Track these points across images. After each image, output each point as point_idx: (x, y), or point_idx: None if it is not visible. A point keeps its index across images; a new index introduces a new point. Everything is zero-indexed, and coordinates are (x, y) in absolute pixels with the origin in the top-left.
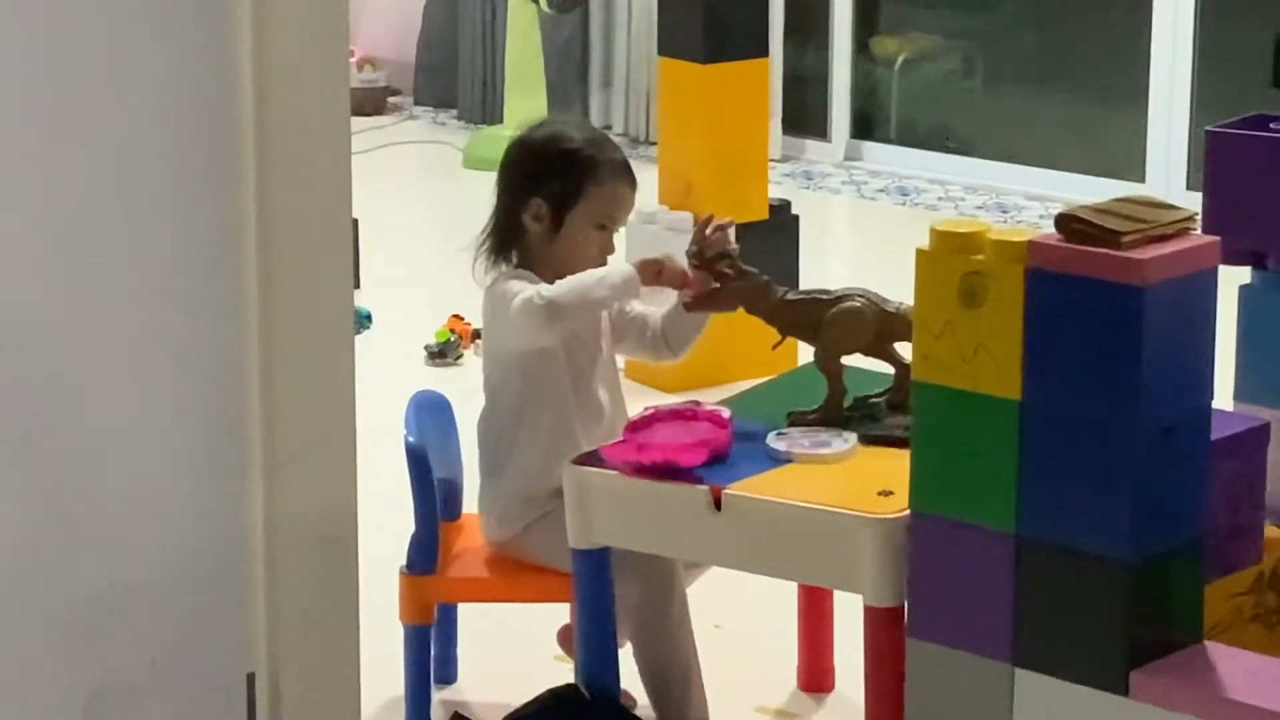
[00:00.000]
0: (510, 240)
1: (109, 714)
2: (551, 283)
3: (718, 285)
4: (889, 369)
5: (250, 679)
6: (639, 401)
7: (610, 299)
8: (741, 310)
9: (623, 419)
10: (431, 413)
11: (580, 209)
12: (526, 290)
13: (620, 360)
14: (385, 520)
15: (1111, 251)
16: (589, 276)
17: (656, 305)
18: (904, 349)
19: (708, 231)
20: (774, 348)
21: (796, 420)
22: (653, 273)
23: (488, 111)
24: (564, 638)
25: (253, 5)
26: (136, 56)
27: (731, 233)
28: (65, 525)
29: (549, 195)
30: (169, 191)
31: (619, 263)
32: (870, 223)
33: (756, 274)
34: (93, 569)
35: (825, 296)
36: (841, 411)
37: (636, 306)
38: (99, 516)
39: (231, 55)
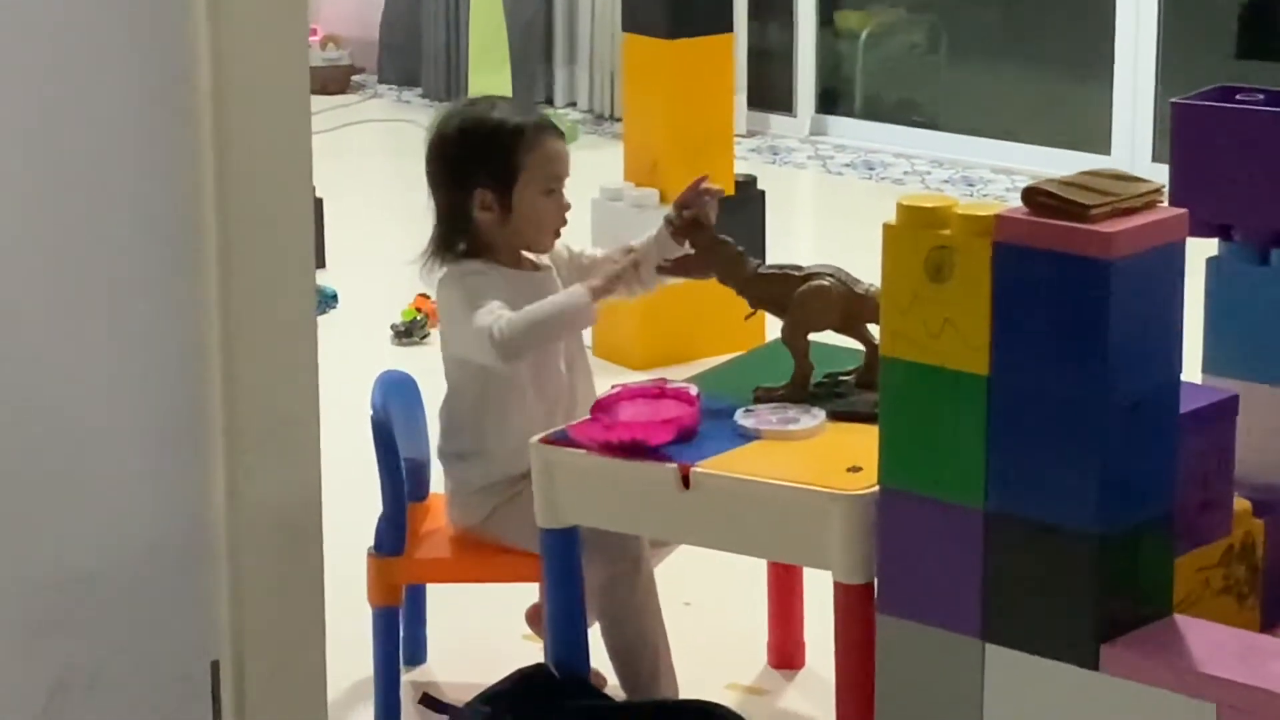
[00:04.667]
0: (460, 234)
1: (71, 706)
2: (508, 262)
3: (691, 252)
4: (860, 346)
5: (214, 666)
6: (606, 379)
7: (567, 336)
8: (713, 282)
9: (589, 396)
10: (398, 392)
11: (524, 183)
12: (484, 317)
13: (587, 337)
14: (352, 501)
15: (1079, 225)
16: (547, 312)
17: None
18: (876, 330)
19: (700, 189)
20: (746, 318)
21: (762, 395)
22: (607, 294)
23: (452, 89)
24: (532, 617)
25: None
26: (91, 36)
27: (713, 206)
28: (25, 514)
29: (489, 182)
30: (127, 173)
31: (576, 293)
32: (836, 197)
33: (732, 244)
34: (53, 558)
35: (796, 273)
36: (807, 388)
37: (599, 253)
38: (59, 505)
39: (188, 33)
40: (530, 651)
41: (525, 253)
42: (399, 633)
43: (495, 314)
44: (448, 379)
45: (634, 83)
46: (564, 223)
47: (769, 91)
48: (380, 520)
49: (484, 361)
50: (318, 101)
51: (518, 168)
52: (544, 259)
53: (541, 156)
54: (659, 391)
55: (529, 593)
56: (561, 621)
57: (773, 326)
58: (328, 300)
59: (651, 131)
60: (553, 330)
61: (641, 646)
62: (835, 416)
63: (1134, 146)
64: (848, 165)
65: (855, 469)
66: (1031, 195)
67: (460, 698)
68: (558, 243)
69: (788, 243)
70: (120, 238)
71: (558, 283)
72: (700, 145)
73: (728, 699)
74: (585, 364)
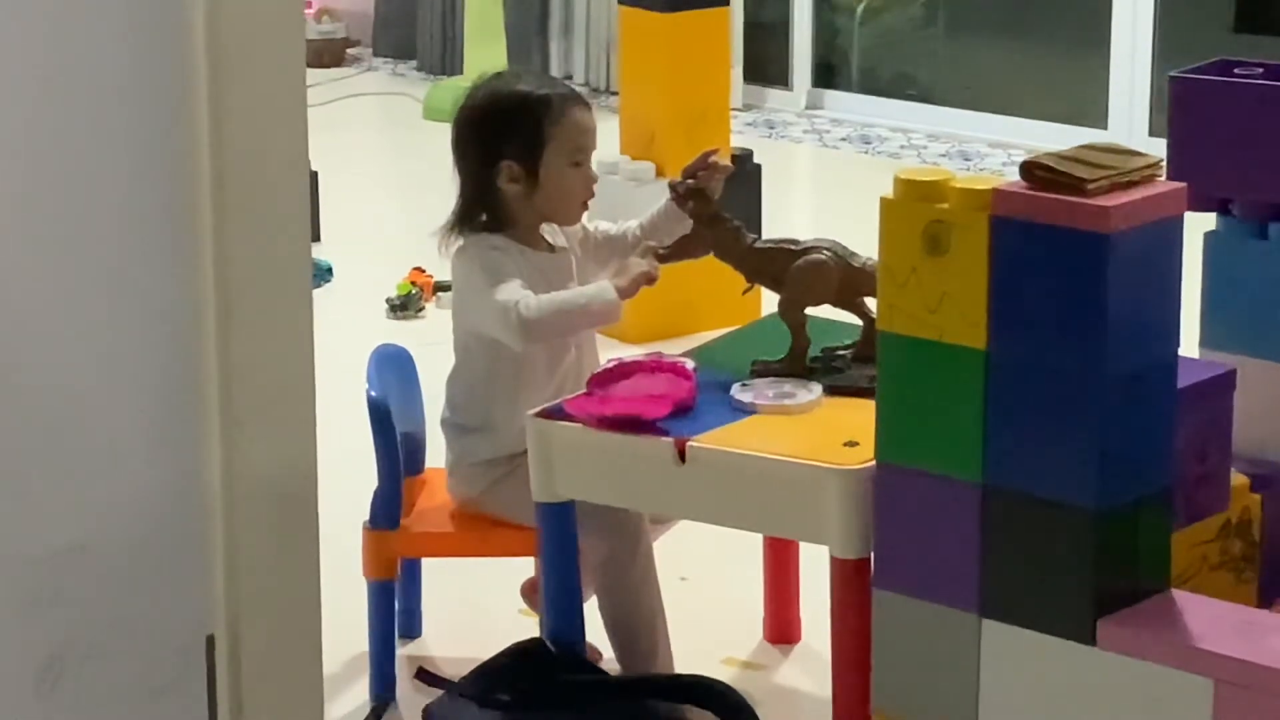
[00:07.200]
0: (483, 207)
1: (63, 680)
2: (527, 240)
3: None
4: (858, 320)
5: (210, 641)
6: (603, 353)
7: (590, 328)
8: (710, 256)
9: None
10: (393, 366)
11: (550, 154)
12: (507, 293)
13: None
14: (348, 475)
15: (1076, 199)
16: (575, 302)
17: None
18: (874, 304)
19: (710, 160)
20: (744, 293)
21: (759, 369)
22: (632, 295)
23: (448, 62)
24: (528, 592)
25: None
26: (83, 7)
27: (718, 180)
28: (18, 487)
29: (515, 153)
30: (121, 146)
31: (606, 290)
32: (832, 171)
33: (729, 219)
34: (45, 531)
35: (793, 247)
36: (804, 362)
37: (611, 229)
38: (51, 477)
39: (182, 4)
40: (526, 626)
41: (545, 230)
42: (394, 606)
43: (519, 292)
44: (457, 352)
45: (630, 56)
46: (591, 194)
47: (765, 65)
48: (375, 494)
49: (500, 337)
50: (313, 74)
51: (544, 139)
52: (560, 240)
53: (568, 127)
54: (655, 365)
55: (525, 567)
56: (557, 595)
57: (769, 301)
58: (323, 274)
59: (648, 105)
60: (577, 321)
61: (639, 621)
62: (832, 391)
63: (1131, 120)
64: (844, 139)
65: (852, 444)
66: (1029, 169)
67: (456, 672)
68: None
69: (784, 217)
70: (115, 210)
71: (574, 265)
72: (696, 119)
73: (724, 673)
74: (593, 344)
